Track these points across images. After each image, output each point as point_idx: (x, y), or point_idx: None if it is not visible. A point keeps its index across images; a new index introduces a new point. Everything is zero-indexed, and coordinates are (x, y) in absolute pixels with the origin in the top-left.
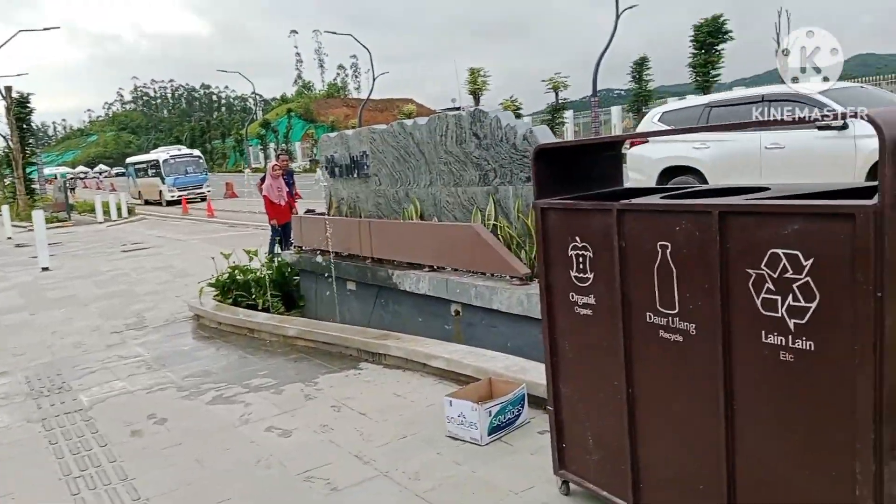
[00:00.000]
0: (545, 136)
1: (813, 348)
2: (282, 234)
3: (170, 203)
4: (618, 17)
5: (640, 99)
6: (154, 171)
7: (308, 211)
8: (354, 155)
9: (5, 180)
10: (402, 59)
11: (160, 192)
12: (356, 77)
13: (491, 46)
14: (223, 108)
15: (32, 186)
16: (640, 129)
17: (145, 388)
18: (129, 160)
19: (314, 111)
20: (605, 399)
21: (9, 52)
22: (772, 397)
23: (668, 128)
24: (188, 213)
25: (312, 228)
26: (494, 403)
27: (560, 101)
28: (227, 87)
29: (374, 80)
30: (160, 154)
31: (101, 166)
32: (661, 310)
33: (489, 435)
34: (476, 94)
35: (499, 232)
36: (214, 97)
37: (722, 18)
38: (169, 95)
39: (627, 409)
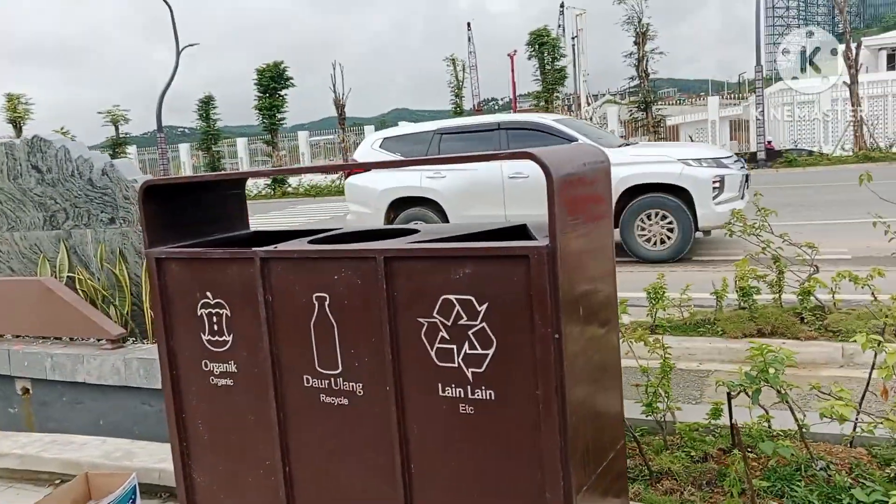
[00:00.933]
0: (130, 171)
1: (493, 397)
2: None
3: None
4: (178, 54)
5: (208, 137)
6: None
7: None
8: None
9: None
10: None
11: None
12: None
13: (34, 73)
14: None
15: None
16: (358, 155)
17: None
18: None
19: None
20: (257, 484)
21: None
22: (453, 455)
23: (398, 158)
24: None
25: None
26: None
27: (121, 136)
28: None
29: None
30: None
31: None
32: (322, 371)
33: None
34: (17, 123)
35: (78, 286)
36: None
37: (283, 65)
38: None
39: (285, 492)
